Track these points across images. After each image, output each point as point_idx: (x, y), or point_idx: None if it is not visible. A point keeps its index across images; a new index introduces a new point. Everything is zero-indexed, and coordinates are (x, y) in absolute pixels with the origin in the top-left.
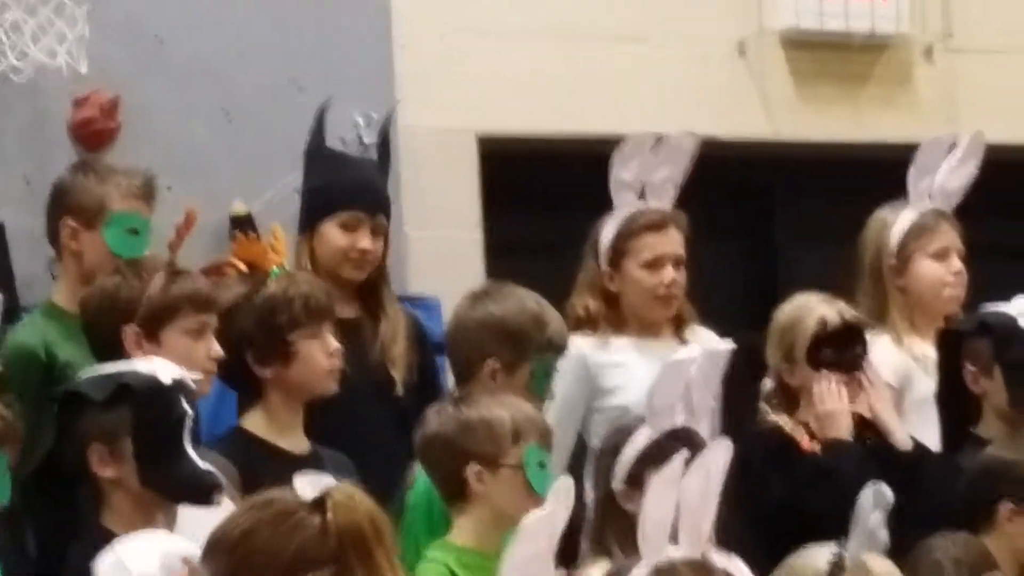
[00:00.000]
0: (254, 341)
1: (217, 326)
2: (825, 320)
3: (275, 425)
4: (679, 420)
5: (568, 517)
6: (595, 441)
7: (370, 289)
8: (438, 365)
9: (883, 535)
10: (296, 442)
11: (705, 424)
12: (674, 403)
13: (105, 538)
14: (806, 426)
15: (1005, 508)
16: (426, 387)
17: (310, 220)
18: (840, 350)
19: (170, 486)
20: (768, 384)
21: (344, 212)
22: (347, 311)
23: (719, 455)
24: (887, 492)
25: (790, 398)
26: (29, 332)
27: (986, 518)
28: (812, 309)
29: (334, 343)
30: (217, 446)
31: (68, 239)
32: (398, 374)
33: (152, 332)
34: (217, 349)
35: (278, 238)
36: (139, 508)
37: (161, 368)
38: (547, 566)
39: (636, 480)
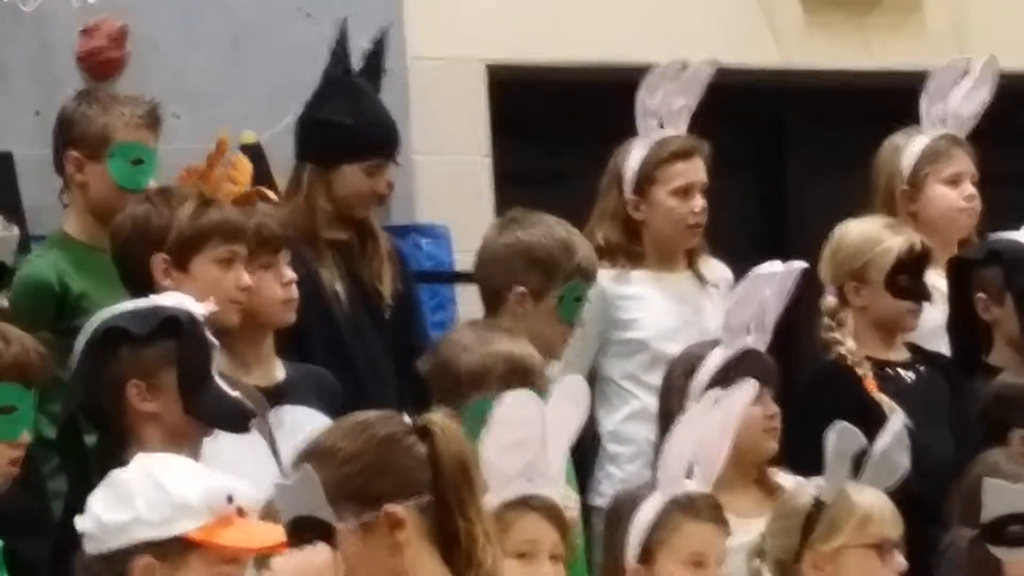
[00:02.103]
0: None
1: None
2: (910, 247)
3: (237, 361)
4: (750, 340)
5: (582, 419)
6: (607, 371)
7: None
8: (420, 296)
9: (899, 464)
10: (263, 375)
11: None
12: (749, 321)
13: None
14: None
15: (1016, 436)
16: (407, 315)
17: (332, 157)
18: (915, 278)
19: (214, 414)
20: (829, 301)
21: (371, 160)
22: (340, 233)
23: (742, 395)
24: (853, 431)
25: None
26: (42, 263)
27: (999, 445)
28: (885, 234)
29: (288, 273)
30: None
31: (73, 170)
32: (386, 295)
33: (181, 261)
34: (246, 279)
35: (237, 166)
36: (170, 443)
37: (188, 301)
38: (528, 455)
39: None
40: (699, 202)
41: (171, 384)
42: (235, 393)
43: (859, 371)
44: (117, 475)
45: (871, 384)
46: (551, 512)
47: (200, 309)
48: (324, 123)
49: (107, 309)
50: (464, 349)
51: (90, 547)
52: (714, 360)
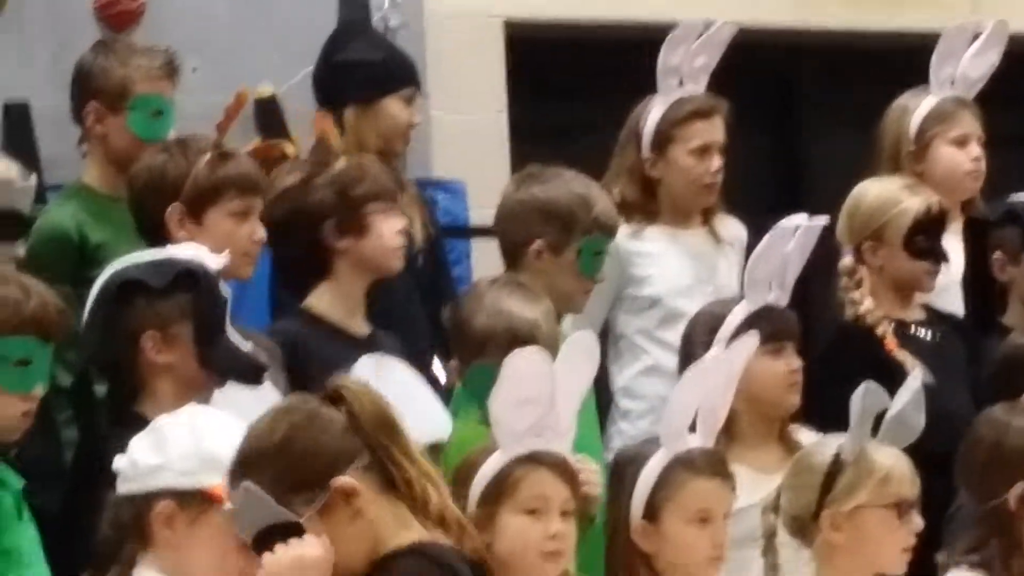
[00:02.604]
0: (332, 212)
1: (288, 205)
2: (928, 208)
3: (340, 303)
4: (771, 296)
5: (592, 374)
6: (621, 328)
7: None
8: (445, 247)
9: (914, 424)
10: (358, 324)
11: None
12: (772, 276)
13: (142, 425)
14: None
15: None
16: (438, 260)
17: (373, 92)
18: (933, 239)
19: (228, 366)
20: (847, 261)
21: (406, 88)
22: None
23: (743, 350)
24: (879, 390)
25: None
26: (60, 212)
27: None
28: (903, 195)
29: (402, 221)
30: (282, 327)
31: (93, 122)
32: (418, 240)
33: (196, 213)
34: (261, 232)
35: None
36: (181, 395)
37: (203, 253)
38: (537, 412)
39: None
40: (716, 162)
41: (185, 336)
42: (248, 346)
43: (878, 330)
44: (163, 420)
45: (891, 343)
46: (561, 468)
47: (215, 261)
48: (356, 63)
49: (120, 260)
50: (477, 310)
51: (121, 487)
52: (736, 316)
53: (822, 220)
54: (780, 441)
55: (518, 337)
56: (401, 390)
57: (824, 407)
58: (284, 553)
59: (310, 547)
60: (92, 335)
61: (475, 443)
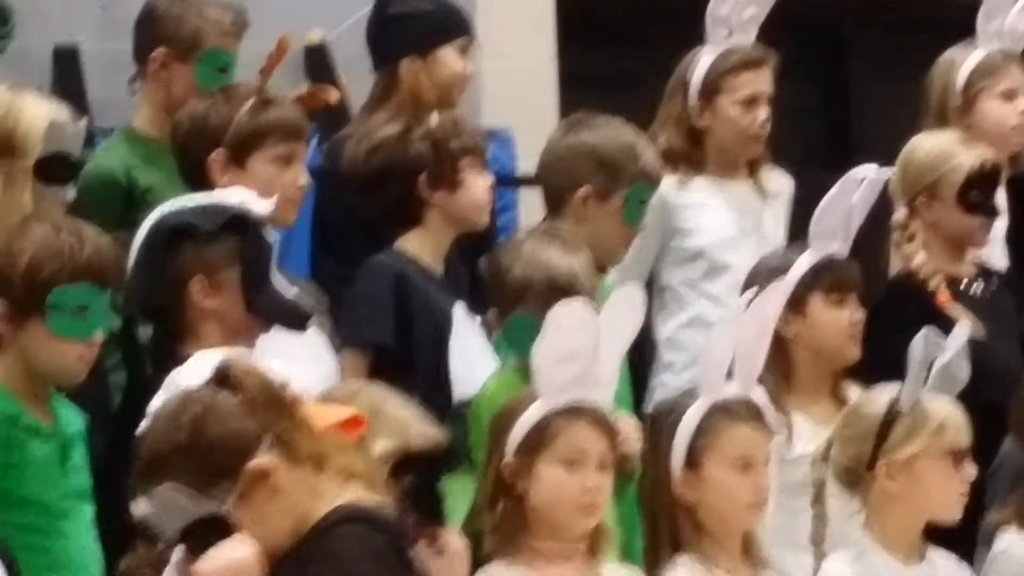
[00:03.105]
0: (427, 164)
1: (383, 156)
2: (981, 164)
3: (429, 248)
4: (835, 247)
5: (636, 327)
6: (666, 279)
7: None
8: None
9: (960, 375)
10: (440, 268)
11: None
12: (838, 225)
13: None
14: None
15: None
16: None
17: (429, 42)
18: (986, 194)
19: (275, 312)
20: (900, 214)
21: (460, 38)
22: None
23: (774, 296)
24: (937, 337)
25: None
26: (110, 156)
27: None
28: (957, 149)
29: (490, 178)
30: (383, 260)
31: (158, 67)
32: None
33: (239, 158)
34: (305, 178)
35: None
36: (227, 339)
37: (250, 198)
38: (580, 365)
39: (797, 304)
40: (763, 113)
41: (233, 281)
42: (293, 292)
43: (931, 284)
44: (177, 374)
45: (944, 296)
46: (600, 420)
47: (262, 207)
48: (409, 15)
49: (167, 204)
50: (515, 260)
51: None
52: (802, 264)
53: (888, 172)
54: (833, 394)
55: (556, 287)
56: (471, 345)
57: (875, 360)
58: (217, 557)
59: (241, 547)
60: (141, 279)
61: (509, 393)
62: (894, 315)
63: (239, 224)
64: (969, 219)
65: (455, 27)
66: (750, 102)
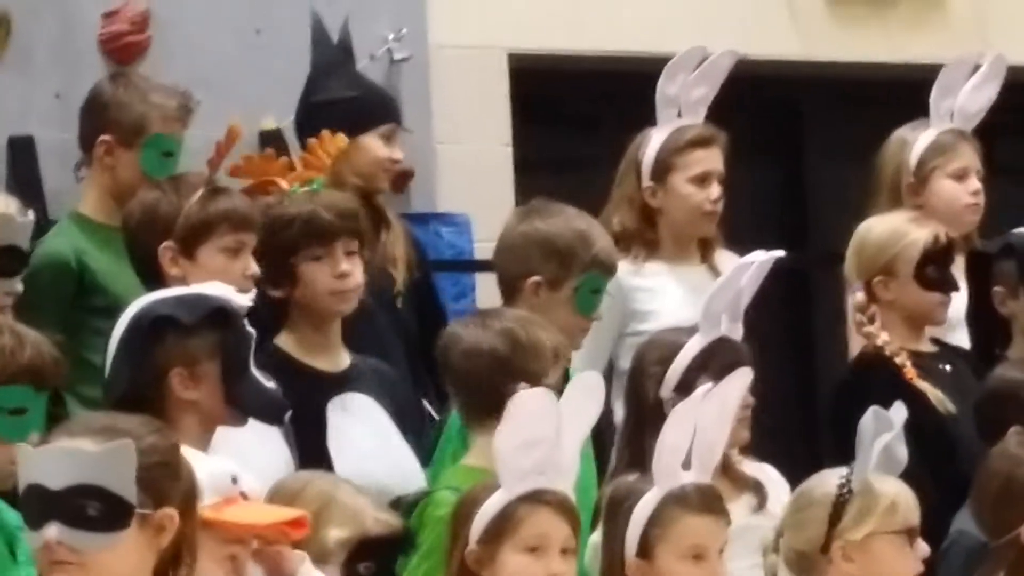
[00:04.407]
0: (262, 262)
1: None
2: (936, 239)
3: (304, 344)
4: (724, 328)
5: (596, 413)
6: (624, 363)
7: (370, 197)
8: (436, 285)
9: (900, 453)
10: (330, 360)
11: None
12: (725, 309)
13: None
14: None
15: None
16: (423, 304)
17: (349, 130)
18: (942, 269)
19: (254, 404)
20: (859, 297)
21: (386, 125)
22: None
23: (737, 383)
24: (887, 415)
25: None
26: (59, 241)
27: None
28: (910, 227)
29: (342, 264)
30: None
31: (103, 153)
32: (398, 281)
33: (188, 249)
34: (254, 267)
35: (314, 151)
36: (204, 431)
37: (230, 292)
38: (542, 451)
39: (686, 387)
40: (716, 190)
41: (212, 373)
42: (271, 384)
43: (897, 360)
44: None
45: (911, 373)
46: (563, 506)
47: (242, 300)
48: (332, 102)
49: (146, 296)
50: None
51: None
52: (692, 348)
53: (777, 254)
54: (724, 474)
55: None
56: (370, 433)
57: (843, 436)
58: None
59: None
60: (121, 370)
61: (468, 483)
62: (863, 390)
63: (220, 317)
64: (928, 295)
65: (377, 115)
66: (702, 179)
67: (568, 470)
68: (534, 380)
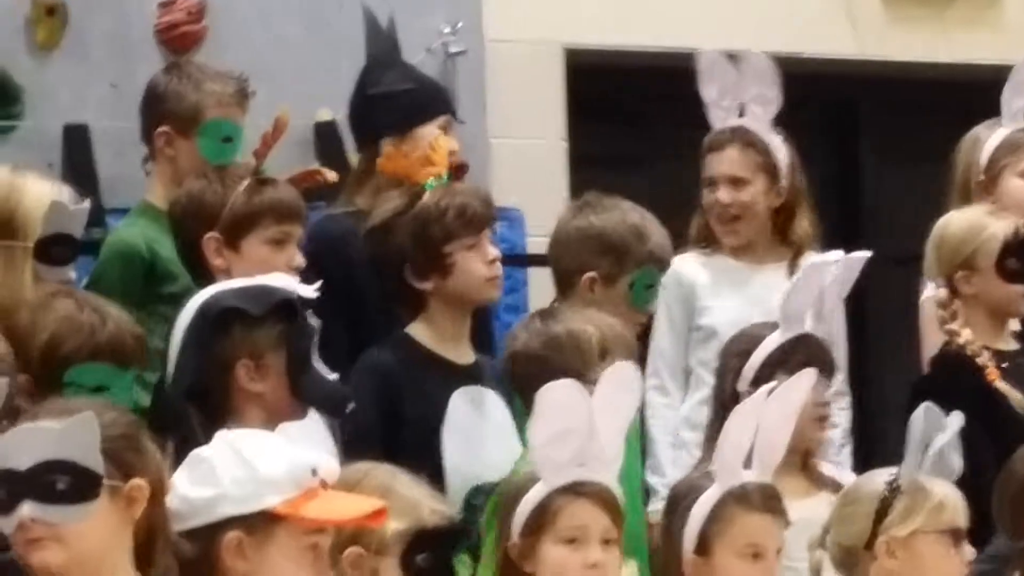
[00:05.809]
0: (410, 255)
1: (370, 248)
2: (1015, 231)
3: (438, 335)
4: (808, 326)
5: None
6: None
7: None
8: None
9: (954, 460)
10: (460, 352)
11: (830, 331)
12: (807, 309)
13: None
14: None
15: None
16: None
17: (407, 122)
18: (1023, 261)
19: (318, 396)
20: (941, 293)
21: (439, 117)
22: None
23: (803, 383)
24: (939, 413)
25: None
26: (130, 230)
27: None
28: (988, 220)
29: (493, 251)
30: (382, 350)
31: (163, 144)
32: None
33: (232, 240)
34: (299, 259)
35: (436, 148)
36: (269, 422)
37: (296, 283)
38: (576, 443)
39: (762, 383)
40: (722, 194)
41: (277, 365)
42: (334, 376)
43: (979, 360)
44: (201, 452)
45: (993, 374)
46: (601, 497)
47: (308, 291)
48: (388, 95)
49: (212, 287)
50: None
51: (177, 524)
52: (770, 343)
53: (863, 255)
54: (803, 472)
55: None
56: (491, 425)
57: None
58: None
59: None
60: (188, 362)
61: None
62: (945, 390)
63: (285, 308)
64: (1010, 287)
65: (435, 106)
66: (709, 184)
67: (611, 461)
68: (576, 377)
